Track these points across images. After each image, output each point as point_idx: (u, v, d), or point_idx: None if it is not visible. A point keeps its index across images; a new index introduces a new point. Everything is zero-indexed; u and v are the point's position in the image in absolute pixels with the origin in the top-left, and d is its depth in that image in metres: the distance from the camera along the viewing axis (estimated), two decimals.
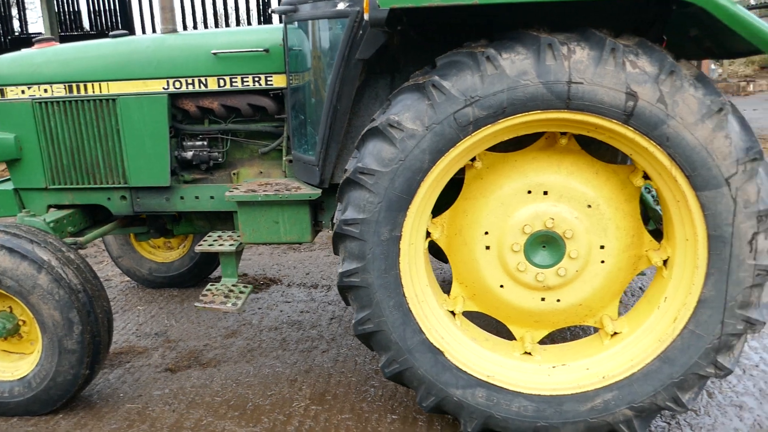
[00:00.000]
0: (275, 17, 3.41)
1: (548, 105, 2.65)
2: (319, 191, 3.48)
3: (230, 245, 3.75)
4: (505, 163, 3.02)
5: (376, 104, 3.32)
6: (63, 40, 4.10)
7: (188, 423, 3.43)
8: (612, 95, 2.60)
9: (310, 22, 3.39)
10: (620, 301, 3.22)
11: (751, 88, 16.12)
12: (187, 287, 5.32)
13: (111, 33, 3.98)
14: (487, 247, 3.06)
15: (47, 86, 3.81)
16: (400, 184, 2.80)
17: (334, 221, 2.94)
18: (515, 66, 2.64)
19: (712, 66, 17.72)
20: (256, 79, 3.71)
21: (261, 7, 19.49)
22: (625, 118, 2.63)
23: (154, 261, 5.26)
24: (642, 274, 4.60)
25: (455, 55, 2.74)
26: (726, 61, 18.58)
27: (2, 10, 19.45)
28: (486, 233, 3.05)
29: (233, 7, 20.22)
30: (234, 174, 3.99)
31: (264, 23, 18.91)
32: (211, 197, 3.89)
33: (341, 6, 3.11)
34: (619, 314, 3.19)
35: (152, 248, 5.31)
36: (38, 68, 3.83)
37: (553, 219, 2.95)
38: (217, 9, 20.03)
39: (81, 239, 3.82)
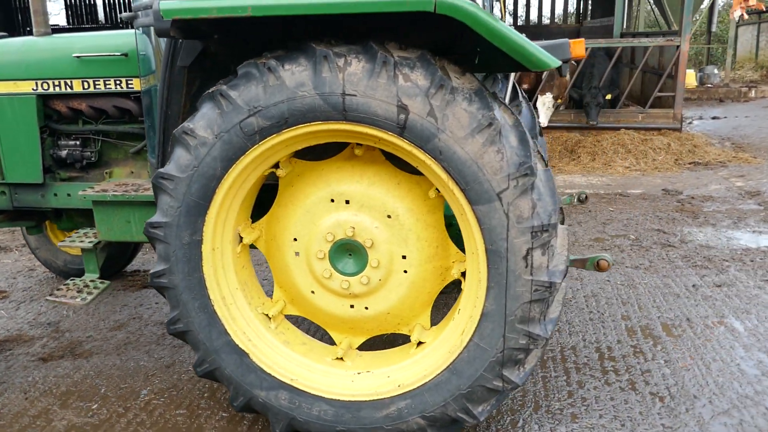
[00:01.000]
0: None
1: (327, 116, 2.69)
2: None
3: (89, 242, 3.88)
4: (313, 172, 3.07)
5: None
6: (78, 32, 4.26)
7: (33, 411, 3.57)
8: (385, 108, 2.62)
9: (151, 28, 3.48)
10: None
11: (752, 93, 15.70)
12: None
13: None
14: (297, 254, 3.12)
15: None
16: (196, 190, 2.88)
17: None
18: (294, 77, 2.68)
19: (715, 71, 17.29)
20: (118, 82, 3.82)
21: None
22: (399, 130, 2.65)
23: (68, 253, 5.43)
24: None
25: (247, 65, 2.79)
26: (730, 66, 18.10)
27: (21, 1, 20.05)
28: (295, 240, 3.10)
29: None
30: (107, 173, 4.11)
31: None
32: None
33: None
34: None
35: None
36: None
37: (353, 228, 2.99)
38: None
39: None
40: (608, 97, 10.97)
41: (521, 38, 2.51)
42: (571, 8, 22.54)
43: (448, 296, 4.52)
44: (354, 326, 3.23)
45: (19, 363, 4.13)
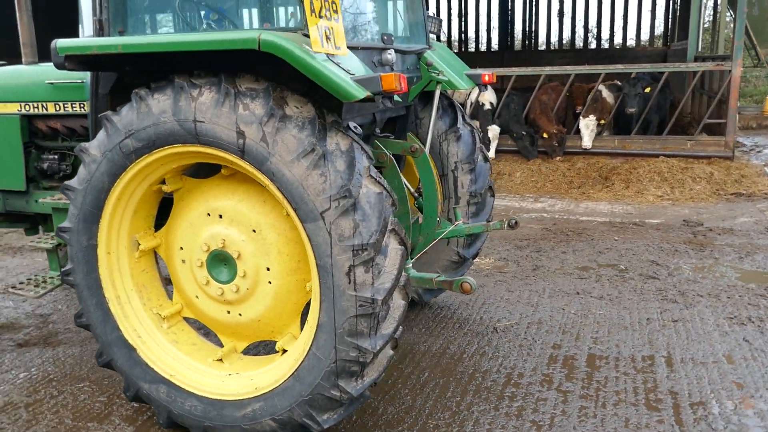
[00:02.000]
0: None
1: (184, 140, 3.04)
2: None
3: (51, 244, 4.43)
4: (197, 189, 3.41)
5: None
6: None
7: None
8: (227, 133, 2.93)
9: None
10: None
11: None
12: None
13: None
14: (183, 261, 3.47)
15: None
16: (90, 200, 3.31)
17: None
18: (159, 105, 3.05)
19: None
20: (81, 105, 4.36)
21: None
22: (240, 153, 2.94)
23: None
24: None
25: (133, 93, 3.19)
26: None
27: None
28: (181, 248, 3.46)
29: None
30: None
31: None
32: None
33: None
34: None
35: None
36: None
37: (224, 240, 3.29)
38: None
39: None
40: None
41: (331, 72, 2.74)
42: (658, 31, 21.72)
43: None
44: (234, 331, 3.53)
45: (0, 347, 4.75)
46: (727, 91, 10.00)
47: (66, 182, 3.38)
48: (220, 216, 3.32)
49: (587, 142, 10.82)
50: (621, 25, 21.78)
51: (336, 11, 2.96)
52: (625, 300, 5.29)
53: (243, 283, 3.32)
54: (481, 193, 4.77)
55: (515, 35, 24.92)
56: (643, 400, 3.74)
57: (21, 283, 4.39)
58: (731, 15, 13.99)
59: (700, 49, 14.59)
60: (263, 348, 4.43)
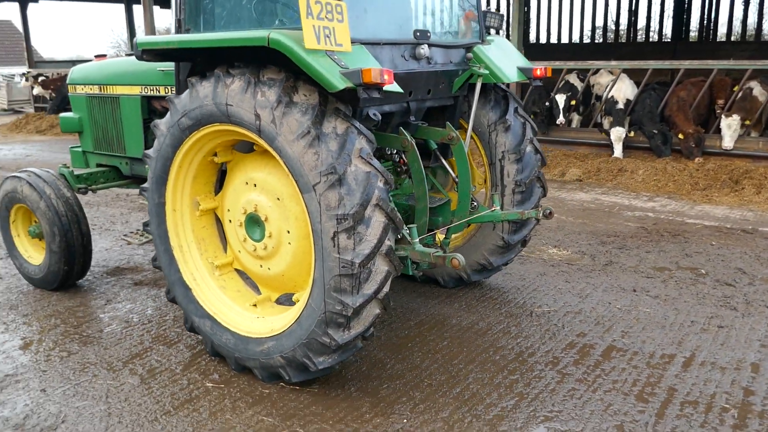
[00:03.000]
0: None
1: (220, 120, 3.71)
2: None
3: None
4: (242, 161, 4.09)
5: None
6: None
7: (107, 306, 5.22)
8: (248, 115, 3.55)
9: None
10: None
11: None
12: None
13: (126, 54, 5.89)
14: (230, 221, 4.18)
15: (91, 86, 5.90)
16: (160, 166, 4.13)
17: None
18: (203, 90, 3.75)
19: None
20: None
21: None
22: (258, 132, 3.55)
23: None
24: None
25: (188, 80, 3.93)
26: None
27: None
28: (228, 210, 4.17)
29: None
30: None
31: None
32: None
33: None
34: None
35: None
36: (89, 74, 5.95)
37: (256, 205, 3.95)
38: None
39: (92, 187, 5.85)
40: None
41: (318, 65, 3.24)
42: None
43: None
44: (267, 283, 4.19)
45: (122, 283, 5.87)
46: None
47: (145, 151, 4.23)
48: (255, 185, 3.97)
49: (728, 143, 10.10)
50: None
51: (340, 13, 3.44)
52: (680, 302, 5.18)
53: (270, 242, 3.95)
54: (526, 183, 4.97)
55: (690, 24, 23.19)
56: (636, 392, 3.81)
57: (131, 232, 5.42)
58: None
59: None
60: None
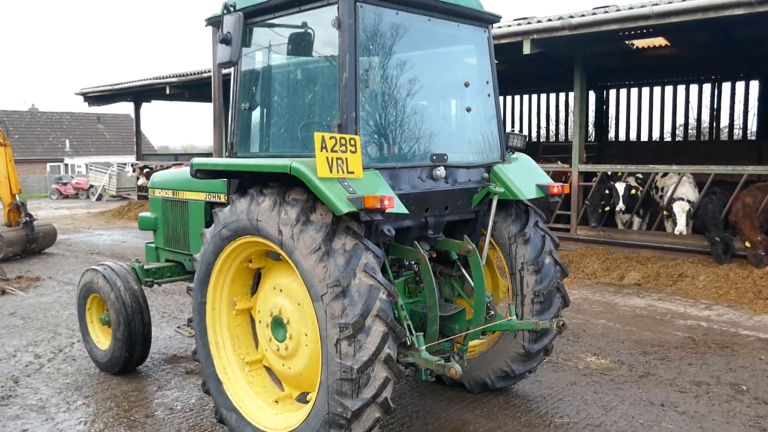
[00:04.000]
0: None
1: (252, 232, 4.25)
2: None
3: None
4: (273, 268, 4.59)
5: None
6: None
7: (159, 394, 5.73)
8: (273, 231, 4.07)
9: None
10: None
11: None
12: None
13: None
14: (260, 321, 4.64)
15: (166, 191, 6.71)
16: (203, 270, 4.69)
17: None
18: (240, 206, 4.33)
19: None
20: None
21: None
22: (280, 245, 4.05)
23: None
24: None
25: (230, 197, 4.53)
26: None
27: None
28: (259, 311, 4.64)
29: None
30: None
31: None
32: None
33: None
34: None
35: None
36: (166, 180, 6.76)
37: (281, 309, 4.40)
38: None
39: (158, 280, 6.54)
40: None
41: (328, 191, 3.73)
42: None
43: None
44: (289, 381, 4.57)
45: (175, 371, 6.41)
46: None
47: (193, 255, 4.82)
48: (281, 290, 4.44)
49: None
50: None
51: (354, 145, 3.95)
52: (707, 419, 5.10)
53: (290, 343, 4.36)
54: (544, 294, 5.18)
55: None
56: None
57: (185, 324, 5.98)
58: None
59: None
60: None
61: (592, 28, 10.53)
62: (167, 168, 7.25)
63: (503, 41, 11.47)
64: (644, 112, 25.86)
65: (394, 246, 4.72)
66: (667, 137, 25.71)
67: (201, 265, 4.70)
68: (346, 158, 3.92)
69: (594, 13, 10.61)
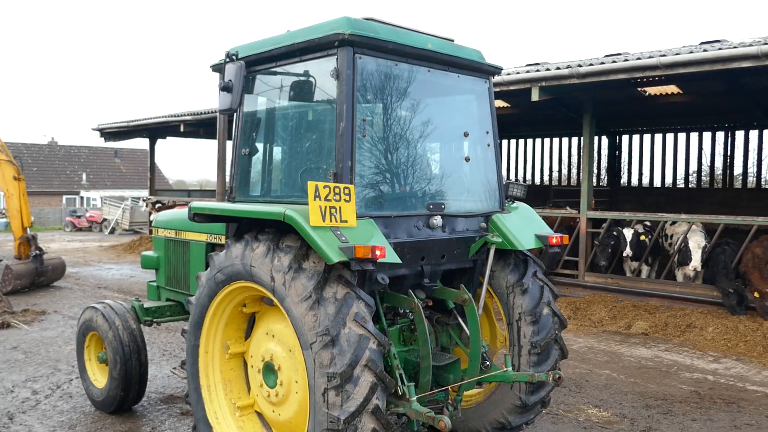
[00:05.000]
0: None
1: (245, 278, 4.27)
2: None
3: None
4: (267, 313, 4.59)
5: None
6: None
7: None
8: (266, 277, 4.08)
9: None
10: None
11: None
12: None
13: None
14: (252, 366, 4.62)
15: (168, 231, 6.76)
16: (198, 312, 4.70)
17: None
18: (235, 251, 4.35)
19: None
20: None
21: None
22: (272, 291, 4.06)
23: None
24: None
25: (226, 242, 4.56)
26: None
27: None
28: (251, 356, 4.62)
29: None
30: None
31: None
32: None
33: None
34: None
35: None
36: (169, 220, 6.82)
37: (272, 354, 4.38)
38: None
39: (157, 320, 6.55)
40: None
41: (320, 240, 3.74)
42: None
43: None
44: (279, 428, 4.52)
45: (170, 412, 6.37)
46: None
47: (188, 297, 4.84)
48: (273, 336, 4.43)
49: None
50: None
51: (348, 194, 3.98)
52: None
53: (281, 389, 4.33)
54: (541, 345, 5.11)
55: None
56: None
57: (180, 365, 5.95)
58: None
59: None
60: None
61: (601, 77, 10.62)
62: (179, 204, 7.33)
63: (512, 87, 11.61)
64: (657, 158, 25.87)
65: (388, 294, 4.71)
66: (680, 184, 25.63)
67: (195, 308, 4.71)
68: (340, 207, 3.95)
69: (602, 62, 10.72)
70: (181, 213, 6.80)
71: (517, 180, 5.38)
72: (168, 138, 24.87)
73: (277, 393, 4.35)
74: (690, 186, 24.59)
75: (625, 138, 23.53)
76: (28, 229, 13.36)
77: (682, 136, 22.07)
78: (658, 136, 22.67)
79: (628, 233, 11.65)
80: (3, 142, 13.41)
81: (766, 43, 9.00)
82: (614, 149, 23.72)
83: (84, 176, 45.92)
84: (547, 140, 24.61)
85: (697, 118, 20.12)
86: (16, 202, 13.17)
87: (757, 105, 15.88)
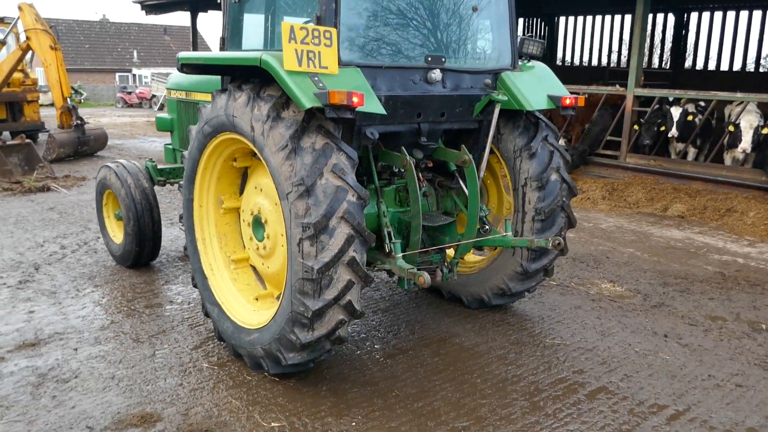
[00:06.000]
0: None
1: (229, 129, 4.14)
2: None
3: None
4: (257, 167, 4.50)
5: None
6: None
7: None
8: (246, 127, 3.94)
9: None
10: None
11: None
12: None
13: None
14: (243, 220, 4.60)
15: (180, 92, 6.66)
16: (190, 167, 4.65)
17: None
18: (220, 102, 4.20)
19: None
20: None
21: None
22: (252, 142, 3.93)
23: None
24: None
25: (212, 93, 4.40)
26: None
27: None
28: (242, 210, 4.59)
29: None
30: None
31: None
32: None
33: None
34: None
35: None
36: (179, 82, 6.70)
37: (260, 208, 4.33)
38: None
39: (170, 180, 6.60)
40: None
41: (293, 85, 3.54)
42: None
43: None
44: (269, 280, 4.56)
45: (186, 267, 6.55)
46: None
47: (182, 151, 4.77)
48: (261, 190, 4.35)
49: None
50: None
51: (329, 38, 3.71)
52: (710, 354, 4.82)
53: (268, 242, 4.31)
54: (546, 211, 4.90)
55: None
56: None
57: (179, 219, 6.03)
58: None
59: None
60: None
61: None
62: None
63: None
64: (727, 39, 23.90)
65: (383, 152, 4.53)
66: (750, 68, 23.78)
67: (188, 161, 4.65)
68: (319, 51, 3.70)
69: None
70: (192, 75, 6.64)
71: (530, 36, 4.92)
72: (210, 12, 24.31)
73: (265, 246, 4.34)
74: (761, 70, 22.84)
75: (694, 16, 21.72)
76: (68, 99, 13.55)
77: (757, 14, 20.19)
78: (731, 14, 20.83)
79: (675, 112, 10.91)
80: (37, 11, 13.33)
81: None
82: (680, 28, 21.98)
83: (135, 53, 46.10)
84: (608, 18, 22.99)
85: None
86: (54, 72, 13.28)
87: None
